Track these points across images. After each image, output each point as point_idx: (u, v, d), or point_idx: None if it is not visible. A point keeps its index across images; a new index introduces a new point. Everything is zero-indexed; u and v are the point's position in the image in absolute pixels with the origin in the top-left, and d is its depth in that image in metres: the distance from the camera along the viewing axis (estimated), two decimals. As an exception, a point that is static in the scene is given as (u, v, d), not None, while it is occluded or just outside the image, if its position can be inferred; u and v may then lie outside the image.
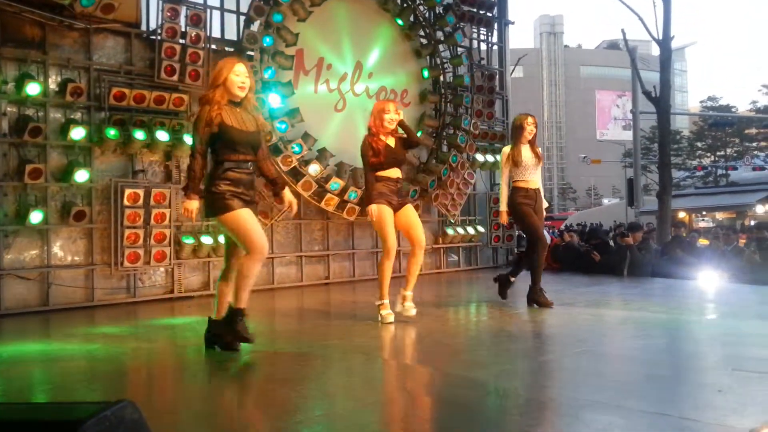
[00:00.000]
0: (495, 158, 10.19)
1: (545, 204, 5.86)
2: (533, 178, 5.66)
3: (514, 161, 5.58)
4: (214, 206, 3.77)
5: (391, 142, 5.07)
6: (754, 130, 37.33)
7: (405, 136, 5.14)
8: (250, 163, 3.90)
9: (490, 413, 2.71)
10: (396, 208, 5.01)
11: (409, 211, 5.14)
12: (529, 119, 5.74)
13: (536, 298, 5.58)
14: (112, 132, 6.46)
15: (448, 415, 2.70)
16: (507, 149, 5.71)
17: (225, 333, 3.87)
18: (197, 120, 3.80)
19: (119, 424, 1.40)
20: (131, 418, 1.45)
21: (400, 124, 5.07)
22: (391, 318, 4.87)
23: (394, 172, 5.05)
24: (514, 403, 2.83)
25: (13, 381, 3.49)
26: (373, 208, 4.87)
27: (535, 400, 2.86)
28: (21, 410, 1.52)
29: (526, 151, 5.64)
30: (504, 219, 5.74)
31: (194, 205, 3.81)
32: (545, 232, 11.24)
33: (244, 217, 3.74)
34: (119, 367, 3.80)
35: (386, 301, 5.01)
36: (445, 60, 9.72)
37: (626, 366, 3.62)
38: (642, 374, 3.34)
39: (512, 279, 6.00)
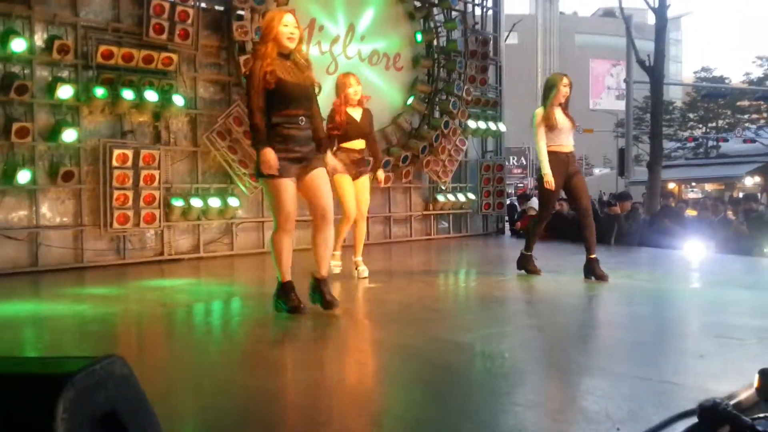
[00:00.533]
0: (487, 125, 10.16)
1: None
2: (567, 142, 5.31)
3: (549, 125, 5.20)
4: (260, 166, 3.61)
5: (357, 114, 5.36)
6: (746, 102, 37.29)
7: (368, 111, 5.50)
8: (302, 118, 3.71)
9: (475, 375, 2.76)
10: (354, 177, 5.32)
11: (362, 183, 5.48)
12: (565, 80, 5.35)
13: (525, 264, 5.51)
14: (100, 91, 6.38)
15: (434, 377, 2.74)
16: (540, 111, 5.30)
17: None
18: (251, 76, 3.62)
19: (108, 378, 1.39)
20: (121, 373, 1.44)
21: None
22: (338, 269, 5.44)
23: (358, 144, 5.36)
24: (499, 366, 2.88)
25: (1, 341, 3.50)
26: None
27: (520, 362, 2.91)
28: (7, 364, 1.51)
29: (559, 114, 5.27)
30: (550, 184, 5.18)
31: (271, 154, 3.53)
32: (536, 201, 11.29)
33: (282, 186, 3.60)
34: (109, 327, 3.81)
35: (337, 253, 5.43)
36: (438, 24, 9.60)
37: (611, 332, 3.68)
38: (626, 340, 3.40)
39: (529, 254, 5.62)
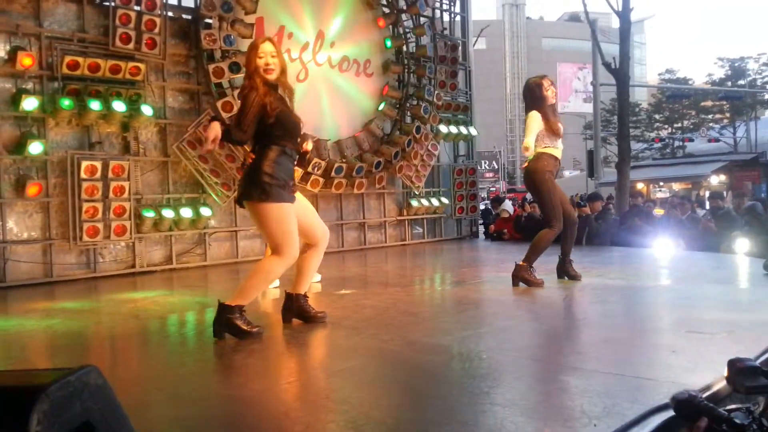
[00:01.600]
0: (459, 129, 10.24)
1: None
2: (560, 146, 5.10)
3: (554, 130, 4.96)
4: (263, 191, 3.36)
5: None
6: (710, 103, 38.18)
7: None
8: (295, 151, 3.59)
9: (453, 376, 2.77)
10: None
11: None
12: (546, 82, 5.07)
13: (525, 276, 5.06)
14: (66, 102, 6.28)
15: (412, 378, 2.74)
16: (537, 114, 4.94)
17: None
18: (245, 107, 3.42)
19: (83, 388, 1.37)
20: (96, 383, 1.42)
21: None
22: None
23: None
24: (477, 367, 2.90)
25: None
26: None
27: (497, 363, 2.92)
28: (-21, 379, 1.47)
29: (553, 118, 5.03)
30: (527, 148, 4.87)
31: (217, 127, 3.32)
32: (509, 203, 11.40)
33: (291, 213, 3.46)
34: (81, 340, 3.74)
35: None
36: (407, 30, 9.66)
37: (584, 330, 3.73)
38: (599, 337, 3.45)
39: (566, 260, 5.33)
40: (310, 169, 8.05)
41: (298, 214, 3.58)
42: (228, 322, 3.43)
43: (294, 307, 3.79)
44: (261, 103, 3.41)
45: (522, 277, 5.05)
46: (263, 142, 3.48)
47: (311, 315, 3.80)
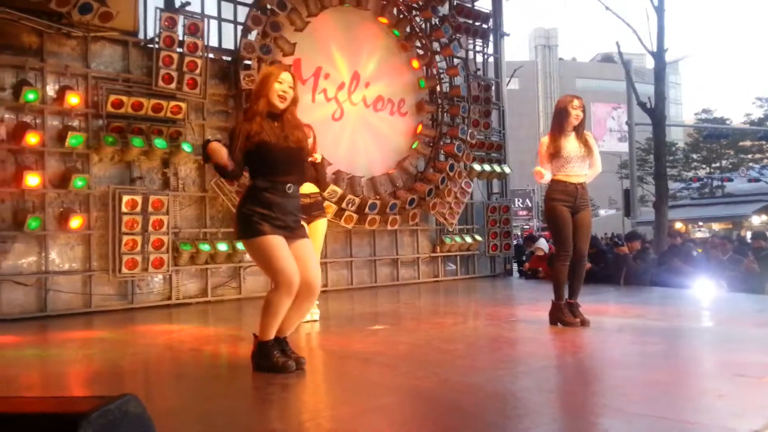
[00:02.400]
0: (492, 167, 10.24)
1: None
2: (576, 172, 4.78)
3: (552, 152, 4.74)
4: (242, 228, 3.36)
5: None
6: (748, 142, 37.52)
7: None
8: (290, 186, 3.43)
9: (488, 417, 2.71)
10: (307, 223, 4.88)
11: (315, 228, 5.16)
12: (575, 102, 4.79)
13: (560, 316, 4.86)
14: (110, 139, 6.48)
15: (446, 417, 2.69)
16: (544, 139, 4.86)
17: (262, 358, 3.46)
18: (233, 134, 3.41)
19: (123, 417, 1.38)
20: (135, 412, 1.43)
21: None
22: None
23: (307, 188, 4.87)
24: (513, 407, 2.83)
25: (10, 383, 3.47)
26: None
27: (533, 403, 2.85)
28: (21, 404, 1.50)
29: (570, 141, 4.76)
30: (539, 173, 4.82)
31: (220, 149, 3.24)
32: (543, 242, 11.27)
33: (274, 244, 3.31)
34: (118, 370, 3.78)
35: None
36: (441, 70, 9.78)
37: (625, 371, 3.62)
38: (641, 379, 3.34)
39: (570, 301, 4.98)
40: (344, 205, 8.12)
41: (294, 252, 3.40)
42: (261, 357, 3.42)
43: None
44: (246, 134, 3.33)
45: (556, 316, 4.89)
46: (251, 176, 3.44)
47: (288, 359, 3.47)
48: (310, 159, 4.66)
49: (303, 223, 4.63)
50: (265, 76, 3.49)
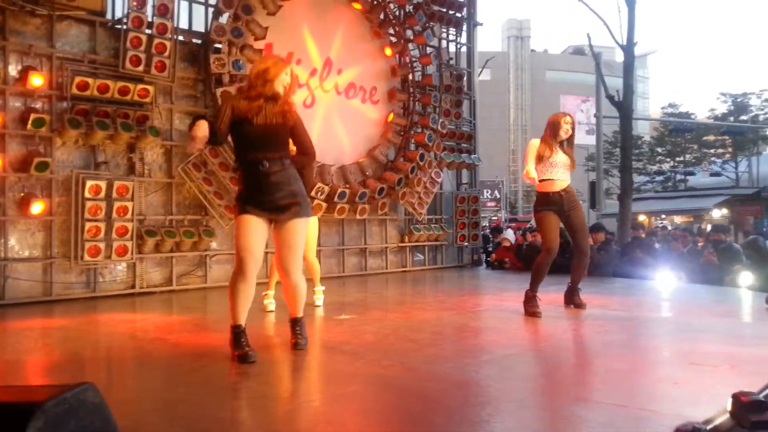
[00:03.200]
0: (462, 157, 10.29)
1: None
2: (560, 177, 5.17)
3: (539, 154, 5.13)
4: (235, 206, 3.53)
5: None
6: (712, 137, 38.37)
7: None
8: (265, 162, 3.42)
9: (452, 404, 2.74)
10: None
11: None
12: (567, 118, 5.27)
13: (526, 305, 5.16)
14: (73, 122, 6.32)
15: (411, 405, 2.71)
16: (535, 141, 5.25)
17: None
18: (224, 107, 3.49)
19: (80, 406, 1.36)
20: (93, 401, 1.41)
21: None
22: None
23: None
24: (476, 395, 2.87)
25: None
26: None
27: (497, 391, 2.89)
28: (-25, 394, 1.45)
29: (559, 150, 5.20)
30: (528, 174, 5.06)
31: (205, 126, 3.29)
32: (510, 233, 11.39)
33: (242, 223, 3.41)
34: (78, 359, 3.72)
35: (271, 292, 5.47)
36: (414, 59, 9.77)
37: (587, 360, 3.70)
38: (602, 368, 3.42)
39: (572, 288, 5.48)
40: (313, 193, 8.07)
41: (276, 238, 3.53)
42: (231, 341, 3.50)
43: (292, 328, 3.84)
44: (231, 108, 3.43)
45: (525, 304, 5.17)
46: (237, 156, 3.60)
47: (294, 340, 3.76)
48: None
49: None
50: (273, 64, 3.53)
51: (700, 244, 10.25)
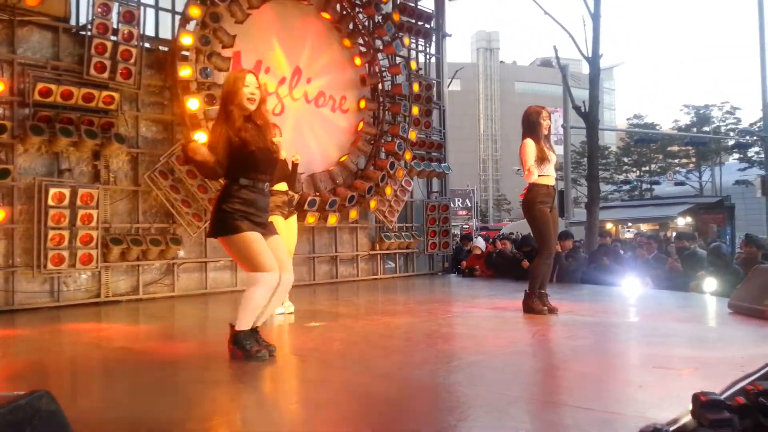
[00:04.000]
0: (432, 166, 10.35)
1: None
2: (552, 173, 5.30)
3: (541, 156, 5.15)
4: (223, 225, 3.48)
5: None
6: (676, 147, 39.31)
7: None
8: (267, 185, 3.66)
9: (420, 409, 2.73)
10: (285, 218, 5.42)
11: (291, 223, 5.58)
12: (544, 113, 5.31)
13: (531, 305, 5.34)
14: (36, 129, 6.19)
15: (380, 411, 2.70)
16: (531, 142, 5.21)
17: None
18: (215, 139, 3.48)
19: (34, 414, 1.32)
20: (47, 408, 1.37)
21: None
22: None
23: (283, 186, 5.42)
24: (444, 400, 2.87)
25: None
26: None
27: (465, 396, 2.90)
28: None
29: (547, 147, 5.28)
30: (531, 170, 5.12)
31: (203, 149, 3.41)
32: (481, 240, 11.48)
33: (256, 239, 3.49)
34: (40, 369, 3.62)
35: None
36: (383, 68, 9.81)
37: (554, 365, 3.73)
38: (569, 372, 3.45)
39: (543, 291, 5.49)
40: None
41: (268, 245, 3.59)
42: (234, 344, 3.57)
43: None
44: (227, 136, 3.46)
45: (527, 305, 5.32)
46: (230, 175, 3.55)
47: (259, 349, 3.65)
48: (292, 159, 5.24)
49: (280, 217, 5.16)
50: (232, 80, 3.59)
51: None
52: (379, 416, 2.64)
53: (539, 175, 5.18)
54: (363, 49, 9.69)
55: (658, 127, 41.01)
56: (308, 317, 5.50)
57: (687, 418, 2.41)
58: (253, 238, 3.48)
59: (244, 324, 3.55)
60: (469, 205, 45.92)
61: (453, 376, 3.30)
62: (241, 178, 3.53)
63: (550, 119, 5.32)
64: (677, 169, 39.74)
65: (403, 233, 10.10)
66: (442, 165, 10.66)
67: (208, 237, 3.71)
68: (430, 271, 10.71)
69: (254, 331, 3.63)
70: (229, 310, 6.38)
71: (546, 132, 5.27)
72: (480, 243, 11.15)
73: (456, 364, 3.62)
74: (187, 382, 3.21)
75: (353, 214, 9.16)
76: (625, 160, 42.93)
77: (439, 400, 2.88)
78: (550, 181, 5.27)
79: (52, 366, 3.78)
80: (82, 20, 6.96)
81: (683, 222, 26.34)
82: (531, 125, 5.28)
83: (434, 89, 10.72)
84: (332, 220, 8.79)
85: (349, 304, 7.04)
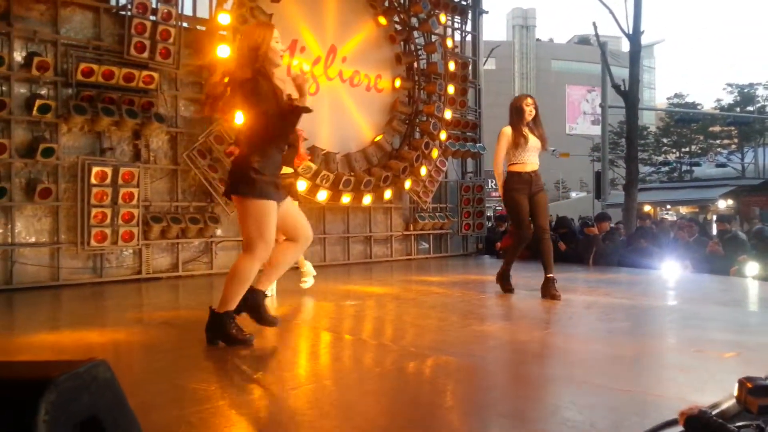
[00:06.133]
0: (467, 146, 10.27)
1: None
2: (531, 160, 5.36)
3: (515, 142, 5.29)
4: (252, 186, 3.27)
5: None
6: (718, 128, 38.20)
7: None
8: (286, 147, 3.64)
9: (458, 388, 2.75)
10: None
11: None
12: (528, 100, 5.42)
13: (500, 280, 5.66)
14: (79, 108, 6.32)
15: (416, 389, 2.73)
16: (507, 129, 5.37)
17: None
18: (265, 96, 3.27)
19: (92, 381, 1.36)
20: (104, 376, 1.42)
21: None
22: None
23: (288, 170, 5.37)
24: (482, 379, 2.88)
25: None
26: None
27: (502, 376, 2.91)
28: (-13, 369, 1.46)
29: (527, 133, 5.35)
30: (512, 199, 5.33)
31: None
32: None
33: (273, 212, 3.34)
34: (85, 343, 3.74)
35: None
36: (419, 46, 9.72)
37: (592, 346, 3.70)
38: (607, 354, 3.42)
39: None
40: (318, 181, 8.08)
41: (283, 211, 3.45)
42: (219, 329, 3.40)
43: (248, 303, 3.49)
44: (281, 94, 3.28)
45: (499, 278, 5.66)
46: (258, 134, 3.34)
47: (262, 316, 3.55)
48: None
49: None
50: (260, 35, 3.35)
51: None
52: (414, 394, 2.66)
53: (513, 163, 5.34)
54: (398, 27, 9.61)
55: (699, 107, 39.86)
56: (343, 296, 5.56)
57: (730, 402, 2.37)
58: (272, 210, 3.33)
59: (230, 304, 3.37)
60: (503, 186, 45.46)
61: (490, 355, 3.31)
62: (279, 141, 3.40)
63: (535, 107, 5.39)
64: (719, 150, 38.62)
65: (437, 214, 10.08)
66: (477, 145, 10.57)
67: (227, 194, 3.45)
68: (464, 252, 10.68)
69: (240, 307, 3.45)
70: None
71: (529, 118, 5.35)
72: (515, 224, 11.04)
73: (492, 345, 3.62)
74: (227, 357, 3.28)
75: (388, 194, 9.17)
76: (665, 140, 41.90)
77: (475, 378, 2.89)
78: (526, 167, 5.33)
79: (96, 340, 3.90)
80: (122, 0, 7.05)
81: (724, 205, 25.70)
82: (514, 111, 5.41)
83: (470, 68, 10.59)
84: (367, 200, 8.82)
85: (383, 283, 7.07)
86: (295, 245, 3.60)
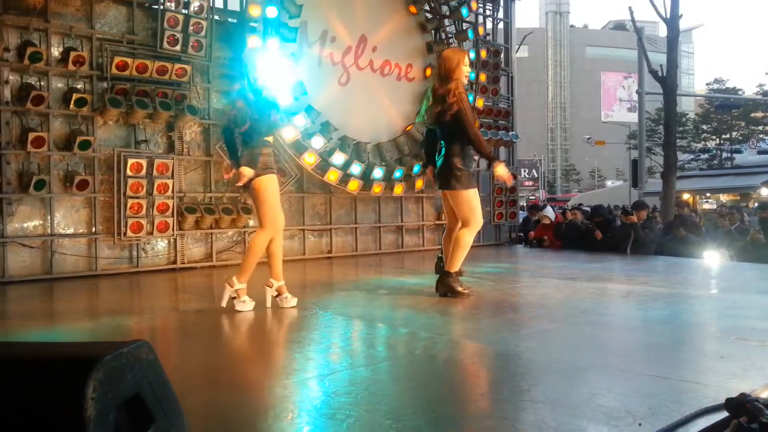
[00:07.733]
0: (499, 135, 10.16)
1: None
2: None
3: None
4: (464, 181, 4.54)
5: None
6: (760, 114, 37.10)
7: None
8: None
9: (491, 374, 2.73)
10: None
11: None
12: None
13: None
14: (114, 101, 6.44)
15: (451, 375, 2.72)
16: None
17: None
18: (465, 110, 4.46)
19: (135, 361, 1.40)
20: (147, 357, 1.45)
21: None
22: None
23: None
24: (516, 366, 2.85)
25: (24, 340, 3.51)
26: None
27: (537, 363, 2.87)
28: (35, 348, 1.52)
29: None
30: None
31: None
32: (550, 210, 11.23)
33: (477, 195, 4.68)
34: (123, 330, 3.82)
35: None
36: (450, 35, 9.64)
37: (629, 334, 3.64)
38: (645, 342, 3.36)
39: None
40: (349, 171, 8.09)
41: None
42: (447, 285, 4.60)
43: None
44: (470, 106, 4.52)
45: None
46: (457, 140, 4.54)
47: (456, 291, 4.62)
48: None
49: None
50: (459, 59, 4.55)
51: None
52: (449, 379, 2.65)
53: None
54: (429, 15, 9.54)
55: (740, 93, 38.76)
56: (375, 285, 5.56)
57: (773, 390, 2.30)
58: (476, 193, 4.62)
59: (457, 265, 4.57)
60: (536, 175, 45.02)
61: (524, 343, 3.27)
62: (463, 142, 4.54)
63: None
64: (761, 136, 37.52)
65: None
66: (510, 133, 10.45)
67: (446, 189, 4.59)
68: (497, 241, 10.59)
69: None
70: (299, 276, 6.53)
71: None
72: (549, 213, 10.92)
73: (526, 333, 3.58)
74: (263, 343, 3.31)
75: (419, 184, 9.14)
76: (704, 127, 40.88)
77: (510, 366, 2.86)
78: None
79: (134, 327, 3.98)
80: (155, -5, 7.13)
81: (767, 192, 24.97)
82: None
83: (502, 55, 10.45)
84: (398, 189, 8.80)
85: (415, 272, 7.06)
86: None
